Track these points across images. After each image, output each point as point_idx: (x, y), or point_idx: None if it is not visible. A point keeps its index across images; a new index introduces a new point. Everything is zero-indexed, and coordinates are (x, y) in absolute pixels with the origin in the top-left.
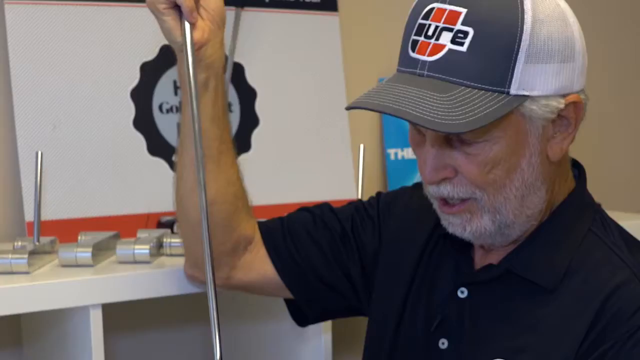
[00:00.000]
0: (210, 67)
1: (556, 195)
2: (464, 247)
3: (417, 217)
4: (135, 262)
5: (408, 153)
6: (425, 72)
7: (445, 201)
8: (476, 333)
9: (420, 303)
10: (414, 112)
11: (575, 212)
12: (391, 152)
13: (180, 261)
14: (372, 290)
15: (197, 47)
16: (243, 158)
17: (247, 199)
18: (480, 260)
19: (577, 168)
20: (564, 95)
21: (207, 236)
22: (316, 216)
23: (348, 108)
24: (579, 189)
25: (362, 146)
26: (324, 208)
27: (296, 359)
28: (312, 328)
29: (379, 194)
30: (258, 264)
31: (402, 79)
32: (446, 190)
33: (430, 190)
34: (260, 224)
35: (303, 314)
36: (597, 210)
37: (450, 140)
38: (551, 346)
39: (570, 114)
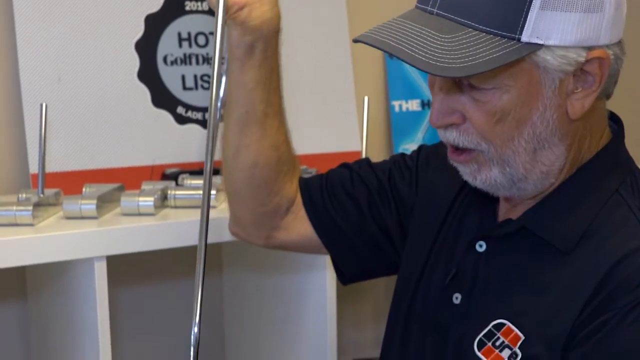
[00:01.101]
0: (257, 30)
1: (584, 152)
2: (490, 201)
3: (452, 169)
4: (140, 214)
5: (413, 105)
6: (436, 10)
7: (455, 148)
8: (487, 290)
9: (441, 256)
10: (410, 52)
11: (603, 171)
12: (396, 104)
13: (184, 213)
14: (406, 236)
15: (237, 9)
16: None
17: (293, 163)
18: (503, 214)
19: (616, 123)
20: (587, 48)
21: (205, 227)
22: (353, 172)
23: (355, 41)
24: (613, 146)
25: (366, 98)
26: (362, 163)
27: (300, 310)
28: (316, 278)
29: (421, 146)
30: (298, 225)
31: (413, 16)
32: (452, 136)
33: (440, 135)
34: (301, 182)
35: (343, 272)
36: (631, 171)
37: (460, 85)
38: (556, 310)
39: (595, 70)
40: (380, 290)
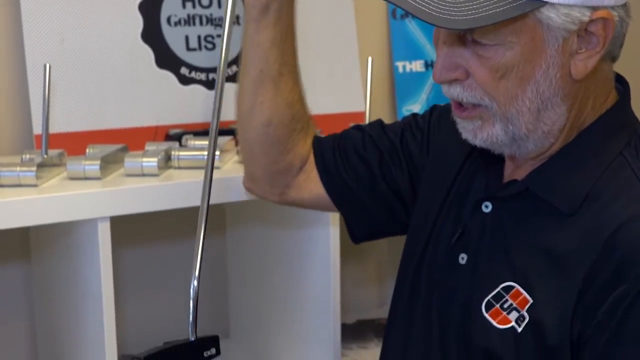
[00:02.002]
0: None
1: (587, 114)
2: (497, 162)
3: None
4: (143, 174)
5: (416, 66)
6: None
7: (459, 105)
8: (493, 251)
9: (449, 217)
10: (413, 2)
11: (607, 133)
12: (399, 64)
13: (188, 174)
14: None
15: None
16: None
17: (307, 122)
18: (508, 175)
19: (621, 84)
20: (591, 8)
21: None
22: (365, 134)
23: None
24: (618, 108)
25: (370, 59)
26: (375, 125)
27: (304, 270)
28: (319, 239)
29: (433, 107)
30: (310, 184)
31: None
32: (456, 91)
33: (444, 91)
34: (314, 142)
35: (354, 232)
36: (636, 133)
37: (464, 40)
38: (562, 274)
39: (599, 31)
40: (384, 252)
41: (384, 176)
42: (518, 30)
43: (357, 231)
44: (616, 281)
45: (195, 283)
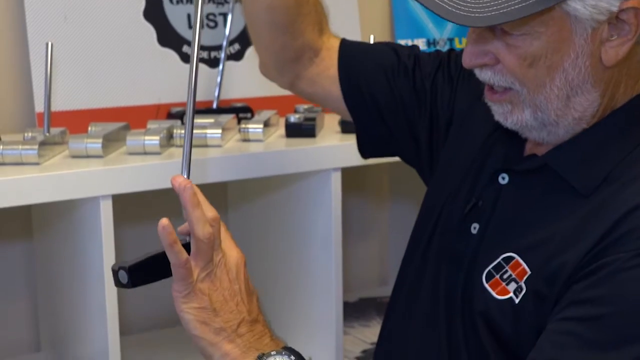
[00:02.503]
0: None
1: (618, 98)
2: (519, 135)
3: None
4: (145, 153)
5: (419, 44)
6: None
7: (490, 87)
8: (502, 223)
9: (465, 186)
10: (438, 0)
11: (635, 117)
12: (401, 42)
13: None
14: (435, 159)
15: None
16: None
17: (316, 8)
18: (529, 150)
19: None
20: None
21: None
22: (401, 62)
23: None
24: None
25: (372, 37)
26: (413, 54)
27: (306, 248)
28: (322, 214)
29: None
30: (327, 82)
31: None
32: (487, 75)
33: (476, 73)
34: (342, 45)
35: (363, 146)
36: None
37: (492, 28)
38: (563, 249)
39: (631, 19)
40: (386, 230)
41: (406, 112)
42: (546, 21)
43: (367, 147)
44: (605, 252)
45: (185, 175)
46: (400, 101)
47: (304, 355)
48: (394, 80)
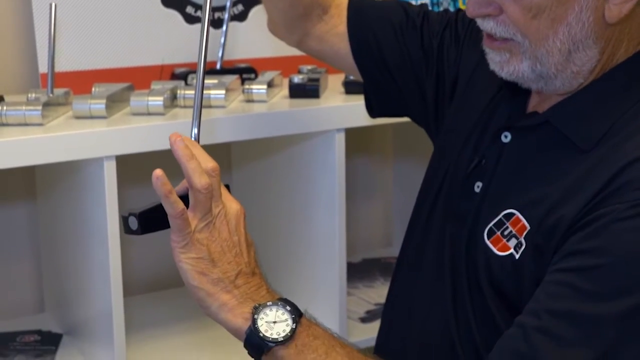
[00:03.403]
0: None
1: (620, 56)
2: (522, 93)
3: None
4: (149, 113)
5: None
6: None
7: (490, 35)
8: (503, 180)
9: (470, 146)
10: None
11: (634, 74)
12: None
13: None
14: (441, 119)
15: None
16: (257, 10)
17: None
18: (532, 108)
19: None
20: None
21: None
22: (410, 19)
23: None
24: None
25: None
26: (422, 12)
27: (310, 209)
28: (326, 175)
29: None
30: (335, 39)
31: None
32: (489, 25)
33: (478, 23)
34: (351, 1)
35: (372, 105)
36: None
37: None
38: (562, 204)
39: None
40: (390, 191)
41: (414, 68)
42: None
43: (375, 105)
44: (602, 203)
45: (196, 131)
46: (409, 58)
47: (300, 308)
48: (402, 37)
